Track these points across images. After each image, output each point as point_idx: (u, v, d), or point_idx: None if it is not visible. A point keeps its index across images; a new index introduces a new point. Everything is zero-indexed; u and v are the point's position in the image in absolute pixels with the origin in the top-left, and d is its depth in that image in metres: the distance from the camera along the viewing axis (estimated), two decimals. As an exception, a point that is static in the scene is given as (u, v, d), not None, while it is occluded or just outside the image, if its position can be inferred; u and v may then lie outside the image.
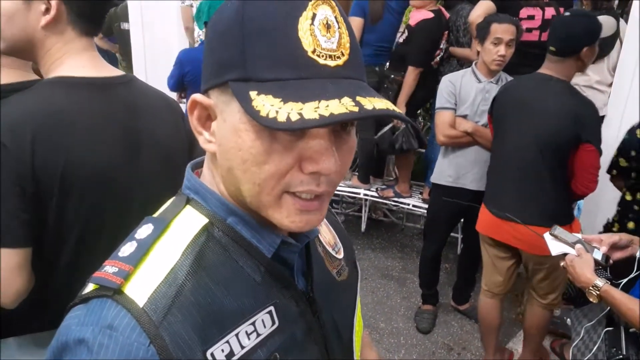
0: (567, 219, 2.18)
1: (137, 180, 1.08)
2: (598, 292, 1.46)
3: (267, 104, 0.48)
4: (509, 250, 2.36)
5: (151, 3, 3.57)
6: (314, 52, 0.51)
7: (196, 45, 3.94)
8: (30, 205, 0.96)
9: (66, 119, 0.98)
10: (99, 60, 1.09)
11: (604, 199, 2.53)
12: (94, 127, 1.01)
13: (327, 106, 0.47)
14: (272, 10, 0.51)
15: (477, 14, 2.89)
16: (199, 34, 3.95)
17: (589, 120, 2.05)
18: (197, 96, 0.57)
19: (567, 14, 2.14)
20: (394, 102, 3.35)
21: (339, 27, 0.53)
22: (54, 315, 1.06)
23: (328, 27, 0.52)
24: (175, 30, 3.70)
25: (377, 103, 0.50)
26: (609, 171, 2.26)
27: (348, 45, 0.54)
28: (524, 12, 2.94)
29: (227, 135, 0.54)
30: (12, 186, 0.93)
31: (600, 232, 2.36)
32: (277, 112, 0.47)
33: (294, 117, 0.46)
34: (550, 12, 2.98)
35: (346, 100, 0.48)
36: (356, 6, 3.39)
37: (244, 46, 0.51)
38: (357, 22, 3.37)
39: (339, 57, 0.52)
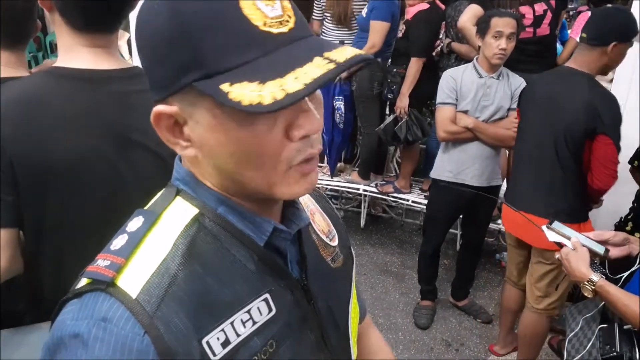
0: (580, 217, 2.15)
1: (130, 174, 1.07)
2: (593, 287, 1.45)
3: (246, 91, 0.46)
4: (522, 247, 2.38)
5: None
6: (264, 24, 0.50)
7: None
8: (12, 188, 0.96)
9: (46, 110, 0.98)
10: (103, 54, 1.06)
11: (612, 196, 2.50)
12: (76, 120, 1.00)
13: (305, 72, 0.47)
14: (209, 0, 0.50)
15: (465, 18, 2.91)
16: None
17: (605, 112, 2.00)
18: (159, 108, 0.54)
19: (609, 5, 2.12)
20: (397, 94, 3.35)
21: None
22: (44, 308, 1.07)
23: None
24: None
25: (345, 52, 0.50)
26: (631, 161, 2.22)
27: (289, 6, 0.53)
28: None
29: (206, 134, 0.53)
30: None
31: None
32: (260, 95, 0.46)
33: (280, 95, 0.45)
34: (540, 7, 2.98)
35: (318, 60, 0.48)
36: (385, 11, 3.33)
37: (194, 44, 0.49)
38: (385, 27, 3.33)
39: (287, 22, 0.52)
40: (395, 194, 3.75)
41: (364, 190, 3.85)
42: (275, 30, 0.50)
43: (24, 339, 1.08)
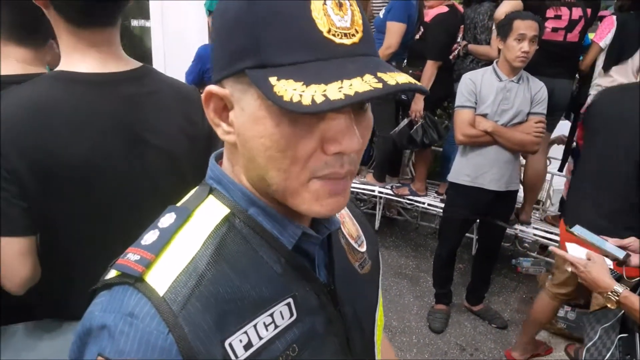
0: None
1: (142, 175, 1.07)
2: (617, 298, 1.42)
3: (289, 89, 0.47)
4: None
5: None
6: (329, 31, 0.50)
7: None
8: (26, 194, 0.95)
9: (56, 115, 0.97)
10: (108, 54, 1.04)
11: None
12: (86, 124, 0.99)
13: (351, 85, 0.46)
14: None
15: (504, 10, 2.85)
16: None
17: None
18: (212, 87, 0.56)
19: None
20: (413, 97, 3.34)
21: (350, 5, 0.52)
22: (54, 304, 1.09)
23: (340, 5, 0.51)
24: (193, 25, 3.72)
25: (399, 77, 0.49)
26: None
27: (361, 22, 0.53)
28: (551, 12, 2.90)
29: (247, 124, 0.53)
30: (6, 174, 0.93)
31: None
32: (300, 95, 0.46)
33: (319, 99, 0.45)
34: (577, 12, 2.93)
35: (368, 77, 0.48)
36: (401, 12, 3.32)
37: (258, 33, 0.50)
38: (401, 28, 3.31)
39: (353, 35, 0.51)
40: (411, 197, 3.74)
41: (379, 193, 3.84)
42: (337, 40, 0.50)
43: (48, 332, 1.10)
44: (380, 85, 0.47)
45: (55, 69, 1.03)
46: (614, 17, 3.07)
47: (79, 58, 1.01)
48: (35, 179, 0.96)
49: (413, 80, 0.50)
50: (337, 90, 0.46)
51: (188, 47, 3.32)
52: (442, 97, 3.60)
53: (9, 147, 0.93)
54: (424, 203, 3.70)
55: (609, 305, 1.45)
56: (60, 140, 0.96)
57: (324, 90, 0.46)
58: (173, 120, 1.12)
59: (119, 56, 1.07)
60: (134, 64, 1.10)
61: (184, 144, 1.12)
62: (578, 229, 1.63)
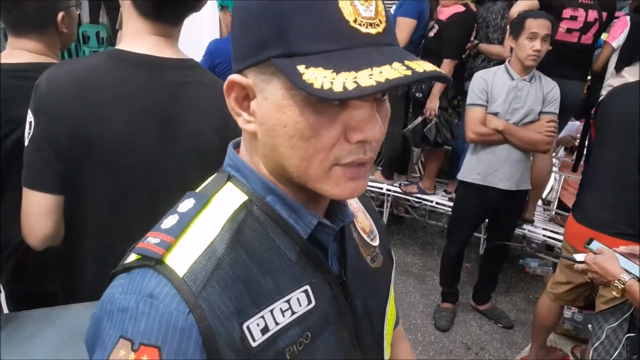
0: None
1: (169, 163, 1.09)
2: (623, 287, 1.42)
3: (319, 76, 0.47)
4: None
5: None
6: (355, 21, 0.50)
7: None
8: (61, 158, 1.01)
9: (100, 89, 1.01)
10: (164, 42, 1.10)
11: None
12: (127, 102, 1.03)
13: (381, 72, 0.47)
14: None
15: (518, 9, 2.83)
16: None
17: None
18: (234, 77, 0.56)
19: None
20: (427, 95, 3.33)
21: None
22: (69, 282, 1.12)
23: None
24: (205, 20, 3.72)
25: (426, 66, 0.50)
26: None
27: (384, 13, 0.53)
28: (567, 12, 2.88)
29: (270, 112, 0.54)
30: (47, 136, 0.99)
31: None
32: (331, 82, 0.47)
33: (351, 86, 0.46)
34: (593, 14, 2.91)
35: (397, 65, 0.49)
36: (412, 8, 3.32)
37: (284, 22, 0.50)
38: (411, 24, 3.32)
39: (377, 25, 0.52)
40: (419, 195, 3.73)
41: (387, 190, 3.84)
42: (363, 30, 0.51)
43: (56, 319, 1.11)
44: (409, 73, 0.48)
45: (114, 48, 1.10)
46: (628, 17, 3.05)
47: (136, 41, 1.08)
48: (71, 146, 1.01)
49: (438, 69, 0.51)
50: (367, 77, 0.47)
51: (200, 41, 3.33)
52: (453, 95, 3.59)
53: (54, 112, 1.00)
54: (432, 201, 3.69)
55: (614, 293, 1.44)
56: (100, 113, 1.01)
57: (355, 78, 0.47)
58: (207, 115, 1.14)
59: (171, 46, 1.12)
60: (183, 55, 1.15)
61: (214, 140, 1.14)
62: (594, 246, 1.62)
